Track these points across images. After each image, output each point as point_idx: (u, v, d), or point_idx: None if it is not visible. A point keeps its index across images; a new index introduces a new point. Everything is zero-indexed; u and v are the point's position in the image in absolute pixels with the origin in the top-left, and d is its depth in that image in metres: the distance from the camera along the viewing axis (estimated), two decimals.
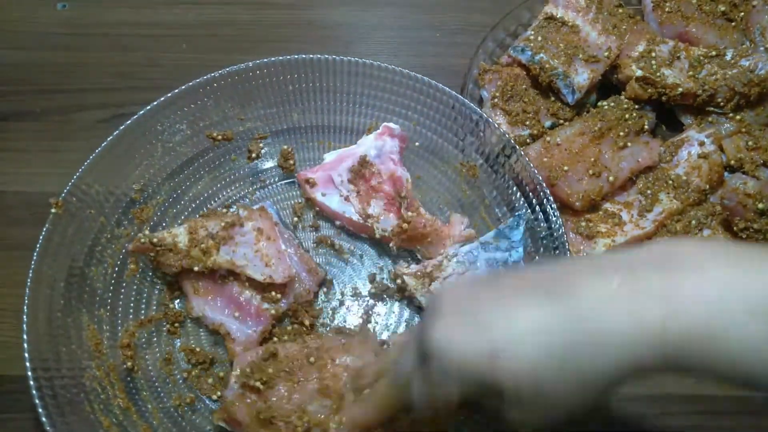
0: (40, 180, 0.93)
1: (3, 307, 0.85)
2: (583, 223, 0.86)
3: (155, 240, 0.78)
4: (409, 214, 0.83)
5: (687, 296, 0.46)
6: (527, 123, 0.93)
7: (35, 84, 1.03)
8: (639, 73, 0.92)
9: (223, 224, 0.79)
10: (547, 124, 0.94)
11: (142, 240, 0.78)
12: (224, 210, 0.87)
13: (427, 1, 1.14)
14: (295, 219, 0.90)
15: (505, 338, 0.49)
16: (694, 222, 0.86)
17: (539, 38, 0.96)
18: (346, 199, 0.87)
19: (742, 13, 0.99)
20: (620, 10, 0.99)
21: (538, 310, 0.49)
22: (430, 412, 0.58)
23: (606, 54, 0.94)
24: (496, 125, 0.85)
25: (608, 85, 0.98)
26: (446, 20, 1.11)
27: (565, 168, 0.86)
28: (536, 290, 0.50)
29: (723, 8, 0.99)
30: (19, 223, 0.91)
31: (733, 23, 0.99)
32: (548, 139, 0.90)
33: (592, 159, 0.88)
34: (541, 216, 0.81)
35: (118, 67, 1.05)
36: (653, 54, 0.93)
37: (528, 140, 0.93)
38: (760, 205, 0.81)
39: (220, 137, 0.90)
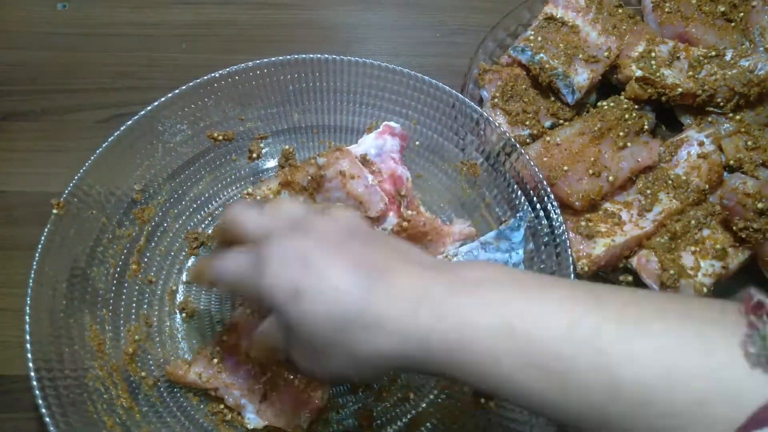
0: (40, 180, 0.94)
1: (4, 307, 0.85)
2: (583, 223, 0.86)
3: (259, 198, 0.82)
4: (409, 212, 0.84)
5: (455, 308, 0.51)
6: (527, 123, 0.93)
7: (35, 84, 1.03)
8: (639, 73, 0.92)
9: (309, 177, 0.82)
10: (547, 124, 0.94)
11: (248, 199, 0.84)
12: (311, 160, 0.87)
13: (427, 1, 1.14)
14: None
15: (311, 288, 0.53)
16: (693, 222, 0.86)
17: (539, 38, 0.96)
18: None
19: (742, 14, 0.99)
20: (620, 11, 0.99)
21: (348, 278, 0.53)
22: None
23: (606, 54, 0.94)
24: (497, 124, 0.85)
25: (608, 85, 0.98)
26: (446, 20, 1.12)
27: (565, 168, 0.87)
28: (362, 262, 0.55)
29: (723, 9, 0.99)
30: (20, 222, 0.91)
31: (733, 24, 1.00)
32: (548, 139, 0.90)
33: (592, 159, 0.88)
34: (542, 214, 0.81)
35: (118, 67, 1.05)
36: (653, 54, 0.93)
37: (528, 140, 0.93)
38: (760, 205, 0.82)
39: (221, 137, 0.90)
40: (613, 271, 0.86)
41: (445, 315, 0.51)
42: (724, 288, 0.83)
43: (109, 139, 0.82)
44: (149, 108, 0.84)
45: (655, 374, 0.45)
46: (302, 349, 0.57)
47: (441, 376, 0.62)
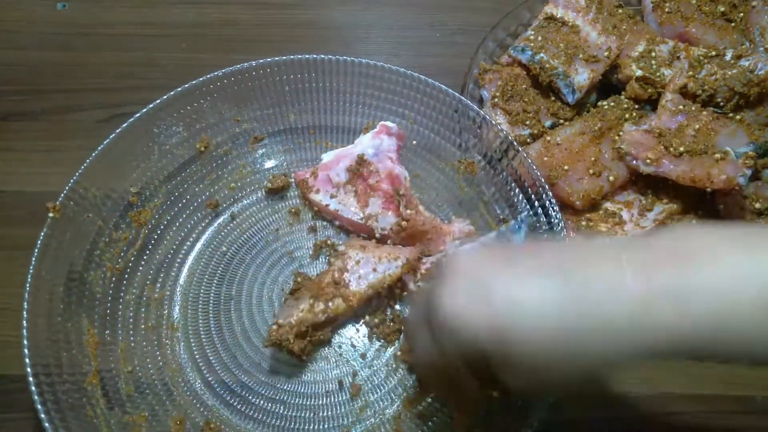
0: (40, 179, 0.94)
1: (3, 307, 0.85)
2: (584, 223, 0.86)
3: None
4: (408, 212, 0.83)
5: (698, 289, 0.47)
6: (527, 123, 0.93)
7: (35, 84, 1.03)
8: (639, 72, 0.92)
9: None
10: (548, 123, 0.94)
11: None
12: None
13: (427, 0, 1.14)
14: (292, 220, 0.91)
15: (511, 313, 0.49)
16: (694, 222, 0.86)
17: (539, 38, 0.96)
18: (345, 198, 0.87)
19: (742, 14, 0.99)
20: (620, 11, 0.99)
21: (548, 289, 0.49)
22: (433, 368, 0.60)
23: (606, 54, 0.94)
24: (497, 124, 0.85)
25: (608, 84, 0.97)
26: (446, 20, 1.11)
27: (566, 167, 0.86)
28: (549, 268, 0.50)
29: (722, 9, 0.99)
30: (19, 222, 0.91)
31: (733, 24, 0.99)
32: (548, 138, 0.89)
33: (593, 158, 0.87)
34: (541, 214, 0.81)
35: (117, 67, 1.05)
36: (653, 54, 0.93)
37: (528, 140, 0.92)
38: (757, 205, 0.82)
39: (214, 143, 0.90)
40: None
41: (688, 301, 0.47)
42: None
43: (105, 142, 0.82)
44: (144, 110, 0.84)
45: None
46: (523, 379, 0.52)
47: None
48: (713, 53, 0.92)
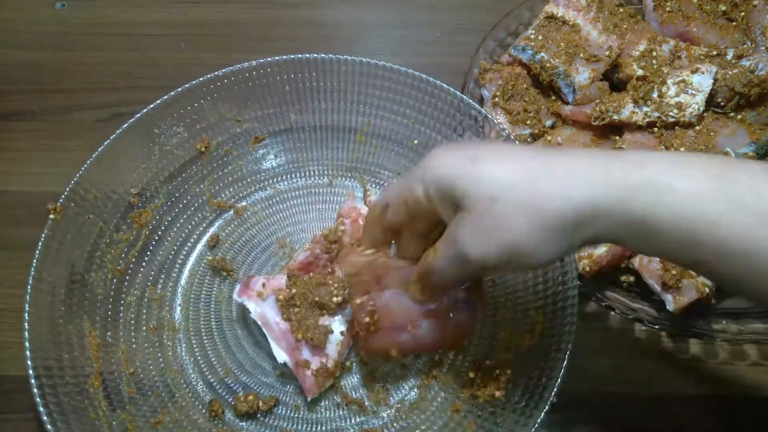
0: (40, 180, 0.94)
1: (3, 308, 0.85)
2: None
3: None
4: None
5: (648, 162, 0.51)
6: (528, 122, 0.92)
7: (35, 84, 1.04)
8: (640, 72, 0.92)
9: None
10: (548, 123, 0.94)
11: None
12: None
13: (427, 0, 1.14)
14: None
15: (489, 150, 0.56)
16: None
17: (540, 37, 0.96)
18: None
19: (743, 13, 0.98)
20: (621, 10, 0.99)
21: (523, 148, 0.59)
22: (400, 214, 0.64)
23: (607, 53, 0.94)
24: (497, 122, 0.85)
25: (609, 84, 0.97)
26: (447, 19, 1.11)
27: None
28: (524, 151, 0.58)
29: (724, 8, 0.98)
30: (19, 223, 0.91)
31: (734, 23, 0.98)
32: (549, 138, 0.89)
33: None
34: None
35: (117, 66, 1.05)
36: (654, 53, 0.93)
37: (529, 139, 0.92)
38: None
39: (215, 143, 0.90)
40: (615, 271, 0.86)
41: (636, 177, 0.50)
42: None
43: (105, 143, 0.81)
44: (144, 111, 0.84)
45: None
46: (474, 222, 0.55)
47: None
48: (714, 53, 0.92)
